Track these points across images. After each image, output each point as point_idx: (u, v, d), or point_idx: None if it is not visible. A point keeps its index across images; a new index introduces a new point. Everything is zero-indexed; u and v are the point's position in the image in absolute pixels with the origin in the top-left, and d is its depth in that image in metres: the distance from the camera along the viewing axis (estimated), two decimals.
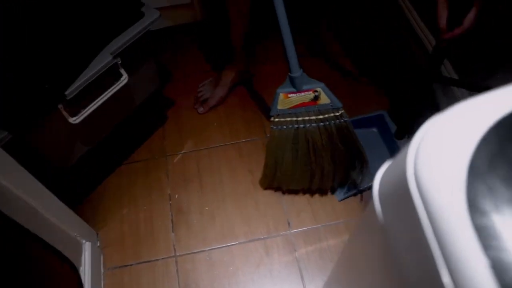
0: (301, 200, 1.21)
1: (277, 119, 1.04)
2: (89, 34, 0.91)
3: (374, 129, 1.33)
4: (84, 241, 1.04)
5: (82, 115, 0.92)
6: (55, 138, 0.98)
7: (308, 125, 1.03)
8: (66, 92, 0.86)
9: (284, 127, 1.05)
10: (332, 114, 1.01)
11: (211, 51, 1.57)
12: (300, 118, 1.03)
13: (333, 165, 1.10)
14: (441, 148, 0.26)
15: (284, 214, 1.18)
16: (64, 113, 0.90)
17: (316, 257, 1.11)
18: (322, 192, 1.21)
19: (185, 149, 1.32)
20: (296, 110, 1.02)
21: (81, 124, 0.93)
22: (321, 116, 1.02)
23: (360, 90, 1.44)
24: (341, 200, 1.20)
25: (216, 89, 1.40)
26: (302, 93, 0.99)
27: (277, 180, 1.18)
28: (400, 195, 0.28)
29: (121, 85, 0.97)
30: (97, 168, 1.27)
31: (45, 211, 0.84)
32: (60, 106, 0.89)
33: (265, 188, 1.23)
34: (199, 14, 1.59)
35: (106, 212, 1.20)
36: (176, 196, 1.22)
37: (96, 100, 0.93)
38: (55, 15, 0.87)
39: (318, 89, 0.97)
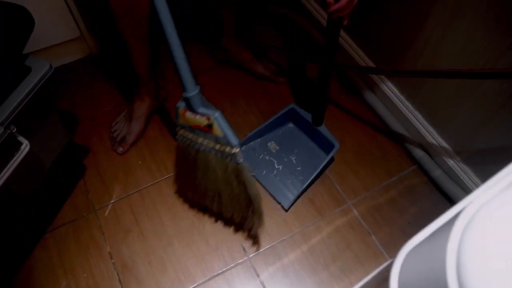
0: None
1: (181, 131, 0.98)
2: None
3: (291, 124, 1.32)
4: None
5: None
6: None
7: (208, 150, 0.95)
8: None
9: (187, 143, 0.99)
10: (227, 150, 0.91)
11: (114, 84, 1.44)
12: (200, 140, 0.95)
13: (226, 201, 1.03)
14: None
15: (238, 240, 1.12)
16: None
17: (281, 276, 1.07)
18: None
19: (114, 198, 1.19)
20: (196, 130, 0.94)
21: None
22: (217, 146, 0.92)
23: (276, 91, 1.42)
24: (288, 208, 1.17)
25: (132, 123, 1.28)
26: (197, 116, 0.90)
27: (185, 191, 1.16)
28: None
29: (23, 154, 0.84)
30: (15, 247, 1.11)
31: None
32: None
33: (176, 192, 1.20)
34: (93, 48, 1.46)
35: None
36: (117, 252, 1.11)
37: None
38: None
39: (211, 117, 0.89)
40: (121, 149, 1.27)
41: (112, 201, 1.19)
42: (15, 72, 0.85)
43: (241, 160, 0.91)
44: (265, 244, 1.12)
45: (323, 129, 1.21)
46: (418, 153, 1.23)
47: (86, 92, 1.42)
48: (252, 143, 1.27)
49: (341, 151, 1.28)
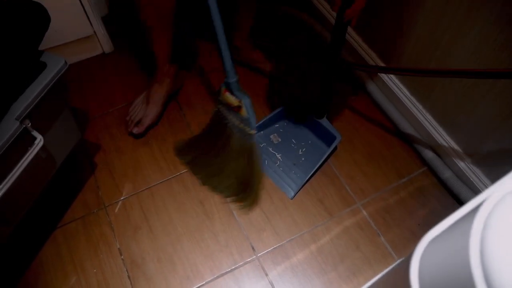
0: (259, 219, 1.16)
1: (220, 107, 1.14)
2: None
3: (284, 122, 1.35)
4: None
5: None
6: None
7: (232, 127, 1.14)
8: None
9: (222, 115, 1.15)
10: (246, 129, 1.10)
11: (126, 82, 1.45)
12: (230, 116, 1.13)
13: (231, 171, 1.19)
14: None
15: (246, 238, 1.13)
16: None
17: (290, 275, 1.07)
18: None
19: (124, 195, 1.20)
20: (229, 108, 1.11)
21: None
22: (241, 125, 1.11)
23: (285, 90, 1.43)
24: (293, 197, 1.19)
25: (149, 107, 1.30)
26: (233, 97, 1.08)
27: (189, 156, 1.26)
28: None
29: (37, 149, 0.85)
30: (25, 243, 1.12)
31: None
32: None
33: (176, 154, 1.28)
34: (106, 46, 1.47)
35: None
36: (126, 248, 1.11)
37: (10, 176, 0.80)
38: None
39: (242, 101, 1.07)
40: (136, 129, 1.29)
41: (122, 198, 1.20)
42: (31, 68, 0.86)
43: (254, 140, 1.12)
44: (274, 243, 1.12)
45: (325, 122, 1.23)
46: (428, 154, 1.23)
47: (98, 89, 1.43)
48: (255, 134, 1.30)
49: (351, 152, 1.28)
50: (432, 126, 1.21)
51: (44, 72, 0.86)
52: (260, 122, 1.28)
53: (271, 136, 1.30)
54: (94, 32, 1.40)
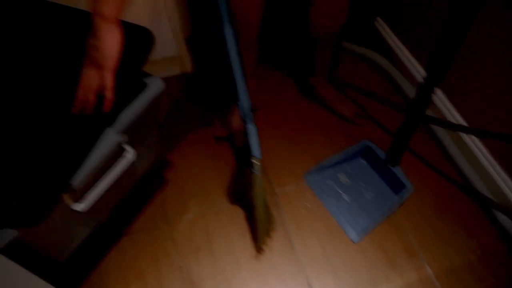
0: (318, 256, 1.15)
1: (258, 162, 1.02)
2: (93, 113, 0.83)
3: (363, 160, 1.34)
4: None
5: (89, 200, 0.84)
6: (55, 228, 0.88)
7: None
8: (74, 183, 0.78)
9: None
10: (251, 158, 0.99)
11: (203, 102, 1.50)
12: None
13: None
14: None
15: (304, 274, 1.12)
16: (69, 201, 0.81)
17: None
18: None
19: (190, 214, 1.24)
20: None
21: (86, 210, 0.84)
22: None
23: (355, 131, 1.43)
24: (358, 241, 1.17)
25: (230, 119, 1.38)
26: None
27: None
28: None
29: (128, 162, 0.90)
30: (95, 246, 1.17)
31: None
32: (64, 195, 0.80)
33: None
34: (188, 67, 1.54)
35: None
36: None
37: (104, 183, 0.85)
38: (55, 97, 0.80)
39: (245, 126, 0.99)
40: (218, 132, 1.40)
41: (188, 217, 1.23)
42: (134, 87, 0.91)
43: (257, 172, 0.99)
44: (331, 284, 1.10)
45: (397, 170, 1.22)
46: (503, 219, 1.18)
47: (175, 108, 1.49)
48: (323, 171, 1.31)
49: (419, 204, 1.25)
50: (510, 190, 1.16)
51: (145, 92, 0.91)
52: (330, 158, 1.30)
53: (339, 175, 1.30)
54: (178, 51, 1.46)
